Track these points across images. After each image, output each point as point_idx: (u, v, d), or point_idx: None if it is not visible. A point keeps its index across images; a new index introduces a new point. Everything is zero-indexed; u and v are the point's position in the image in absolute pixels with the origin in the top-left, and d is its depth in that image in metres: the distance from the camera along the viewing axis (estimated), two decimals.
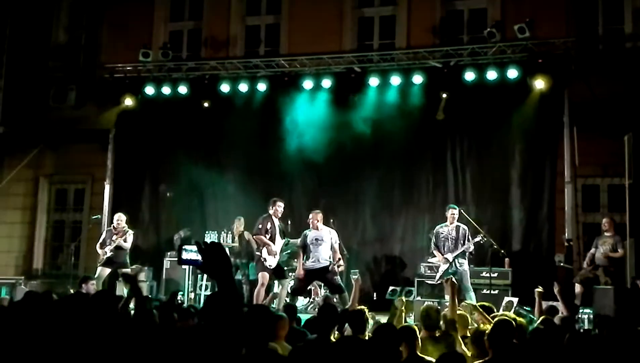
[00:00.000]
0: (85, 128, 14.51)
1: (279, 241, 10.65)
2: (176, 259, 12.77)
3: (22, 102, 15.12)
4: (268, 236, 10.52)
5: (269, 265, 10.45)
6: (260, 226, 10.57)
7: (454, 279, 9.71)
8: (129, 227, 11.98)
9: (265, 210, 10.83)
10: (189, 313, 6.69)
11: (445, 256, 10.39)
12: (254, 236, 10.71)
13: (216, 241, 4.01)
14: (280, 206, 10.73)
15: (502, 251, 10.64)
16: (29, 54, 15.37)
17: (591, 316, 9.41)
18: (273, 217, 10.66)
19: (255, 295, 10.39)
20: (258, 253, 10.68)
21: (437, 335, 5.82)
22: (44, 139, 14.92)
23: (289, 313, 7.11)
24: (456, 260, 10.37)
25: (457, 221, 10.70)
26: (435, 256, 10.70)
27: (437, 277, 10.68)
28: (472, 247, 10.45)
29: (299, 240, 10.50)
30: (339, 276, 10.35)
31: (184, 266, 12.25)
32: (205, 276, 12.21)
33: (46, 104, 14.85)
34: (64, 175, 15.26)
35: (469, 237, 10.44)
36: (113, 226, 11.98)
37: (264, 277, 10.44)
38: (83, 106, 14.77)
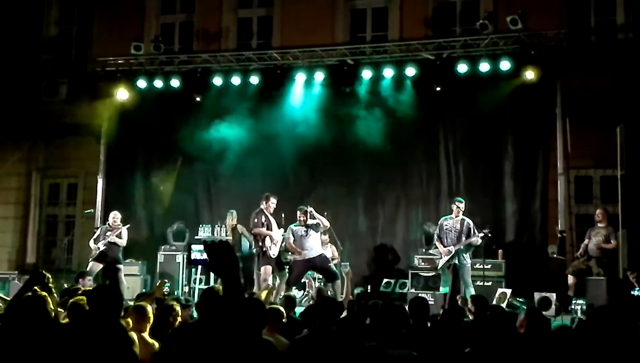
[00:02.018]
0: (77, 122, 14.41)
1: (277, 230, 10.72)
2: (170, 253, 12.83)
3: (14, 97, 15.02)
4: (264, 228, 10.56)
5: (273, 254, 10.52)
6: (255, 220, 10.61)
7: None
8: (124, 224, 11.96)
9: (258, 203, 10.85)
10: (183, 305, 6.70)
11: (447, 248, 10.35)
12: (253, 231, 10.70)
13: (224, 239, 3.98)
14: (273, 202, 10.77)
15: (486, 231, 10.42)
16: (20, 48, 15.28)
17: (584, 307, 9.46)
18: (266, 211, 10.68)
19: (266, 293, 10.33)
20: (260, 244, 10.61)
21: None
22: (36, 133, 14.87)
23: (288, 304, 7.13)
24: (461, 255, 10.26)
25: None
26: (437, 247, 10.64)
27: (439, 268, 10.67)
28: (479, 241, 10.37)
29: (287, 235, 10.60)
30: (332, 264, 10.45)
31: (194, 265, 12.16)
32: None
33: (38, 98, 14.76)
34: (56, 169, 15.20)
35: (475, 231, 10.34)
36: (109, 224, 11.96)
37: (266, 272, 10.47)
38: (75, 99, 14.67)
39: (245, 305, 2.96)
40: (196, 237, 12.78)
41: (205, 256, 2.96)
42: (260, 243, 10.57)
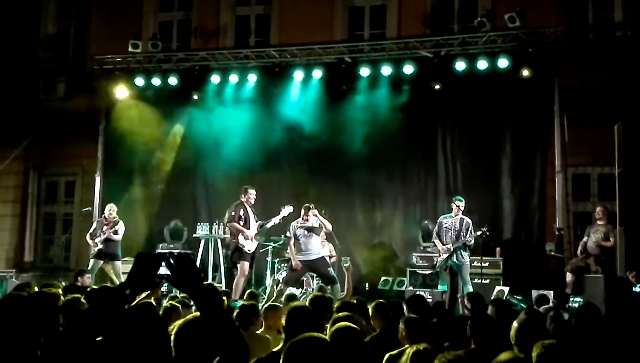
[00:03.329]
0: (75, 120, 14.43)
1: (254, 226, 10.69)
2: (168, 252, 12.76)
3: (12, 94, 15.01)
4: (242, 223, 10.53)
5: (248, 250, 10.51)
6: (233, 213, 10.55)
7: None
8: (120, 218, 11.93)
9: (256, 200, 10.85)
10: (184, 305, 6.69)
11: (446, 246, 10.32)
12: (228, 224, 10.66)
13: (183, 252, 3.93)
14: (252, 194, 10.74)
15: (484, 229, 10.39)
16: (18, 46, 15.27)
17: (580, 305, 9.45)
18: (245, 204, 10.66)
19: (234, 286, 10.30)
20: (235, 240, 10.57)
21: None
22: (33, 131, 14.84)
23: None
24: (459, 253, 10.22)
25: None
26: (436, 245, 10.61)
27: (437, 266, 10.66)
28: (472, 241, 10.35)
29: (288, 231, 10.50)
30: (331, 268, 10.39)
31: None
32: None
33: (36, 96, 14.75)
34: (54, 167, 15.20)
35: (472, 230, 10.27)
36: (104, 217, 11.91)
37: (244, 267, 10.44)
38: (73, 97, 14.68)
39: (221, 305, 2.92)
40: (194, 235, 12.77)
41: (164, 271, 2.84)
42: (235, 238, 10.53)
